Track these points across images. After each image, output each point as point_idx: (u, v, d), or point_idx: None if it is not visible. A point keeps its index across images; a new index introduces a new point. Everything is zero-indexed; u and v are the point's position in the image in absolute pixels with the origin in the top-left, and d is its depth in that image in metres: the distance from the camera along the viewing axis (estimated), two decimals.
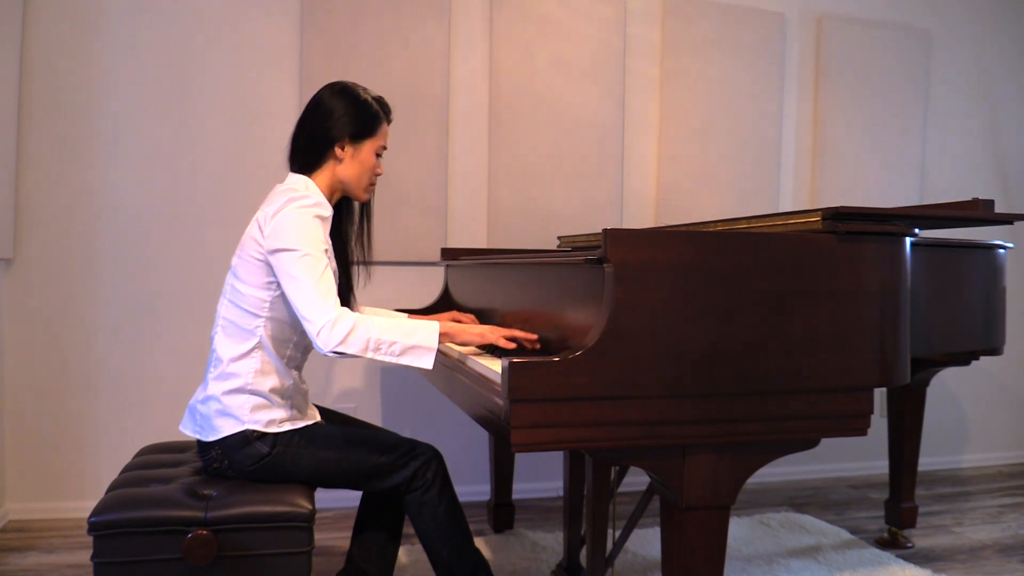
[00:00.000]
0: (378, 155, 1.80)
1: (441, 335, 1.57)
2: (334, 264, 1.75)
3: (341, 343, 1.49)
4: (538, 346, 1.63)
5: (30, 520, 2.68)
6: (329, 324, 1.50)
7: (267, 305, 1.65)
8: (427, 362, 1.53)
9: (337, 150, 1.74)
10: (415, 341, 1.53)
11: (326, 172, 1.75)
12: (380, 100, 1.80)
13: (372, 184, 1.82)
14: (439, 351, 1.85)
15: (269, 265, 1.62)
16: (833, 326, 1.37)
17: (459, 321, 2.11)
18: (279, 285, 1.62)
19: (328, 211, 1.70)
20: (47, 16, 2.68)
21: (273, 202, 1.65)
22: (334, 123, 1.72)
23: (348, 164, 1.75)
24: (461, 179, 3.10)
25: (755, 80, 3.41)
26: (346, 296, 1.87)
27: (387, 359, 1.51)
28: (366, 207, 1.90)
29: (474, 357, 1.63)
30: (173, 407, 2.69)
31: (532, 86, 3.13)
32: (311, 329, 1.51)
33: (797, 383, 1.35)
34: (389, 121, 1.82)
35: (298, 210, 1.61)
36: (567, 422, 1.23)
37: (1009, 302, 2.44)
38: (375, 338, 1.50)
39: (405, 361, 1.52)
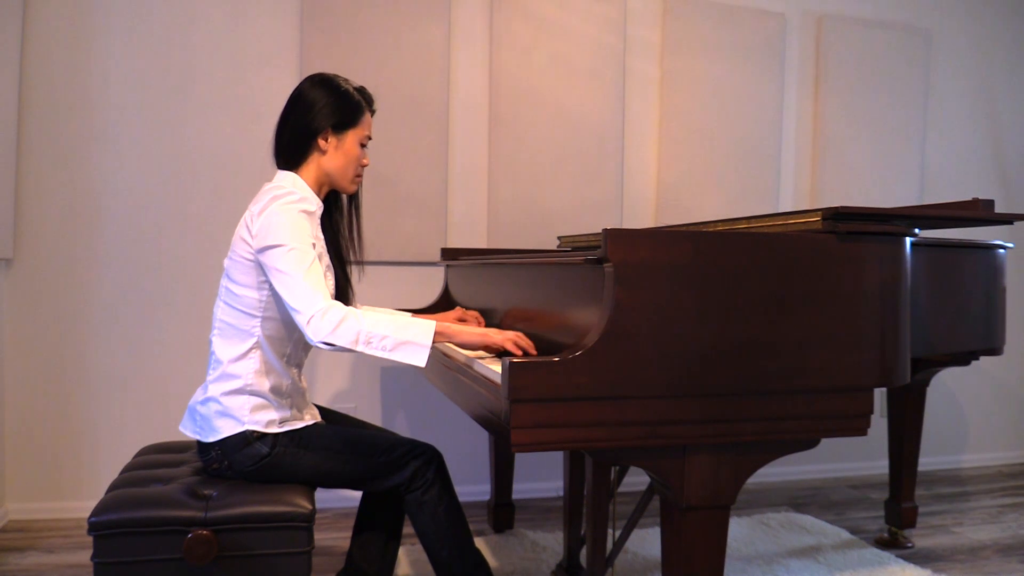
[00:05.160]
0: (363, 145, 1.79)
1: (438, 334, 1.53)
2: (327, 259, 1.75)
3: (331, 333, 1.48)
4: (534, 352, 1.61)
5: (30, 520, 2.68)
6: (319, 314, 1.49)
7: (262, 305, 1.65)
8: (420, 359, 1.50)
9: (320, 142, 1.72)
10: (408, 337, 1.50)
11: (311, 166, 1.74)
12: (362, 90, 1.79)
13: (359, 176, 1.80)
14: (442, 353, 1.85)
15: (260, 265, 1.61)
16: (833, 326, 1.37)
17: (463, 320, 2.10)
18: (271, 283, 1.62)
19: (314, 205, 1.69)
20: (47, 16, 2.68)
21: (259, 201, 1.66)
22: (315, 114, 1.71)
23: (332, 155, 1.74)
24: (461, 179, 3.10)
25: (755, 80, 3.41)
26: (345, 292, 1.86)
27: (378, 353, 1.49)
28: (355, 202, 1.89)
29: (480, 360, 1.62)
30: (173, 407, 2.70)
31: (532, 86, 3.13)
32: (301, 320, 1.51)
33: (797, 383, 1.35)
34: (372, 111, 1.81)
35: (283, 207, 1.60)
36: (567, 422, 1.23)
37: (1009, 302, 2.44)
38: (366, 331, 1.48)
39: (397, 357, 1.50)
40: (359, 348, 1.49)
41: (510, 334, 1.57)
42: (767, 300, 1.33)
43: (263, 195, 1.67)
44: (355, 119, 1.76)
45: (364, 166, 1.81)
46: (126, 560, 1.46)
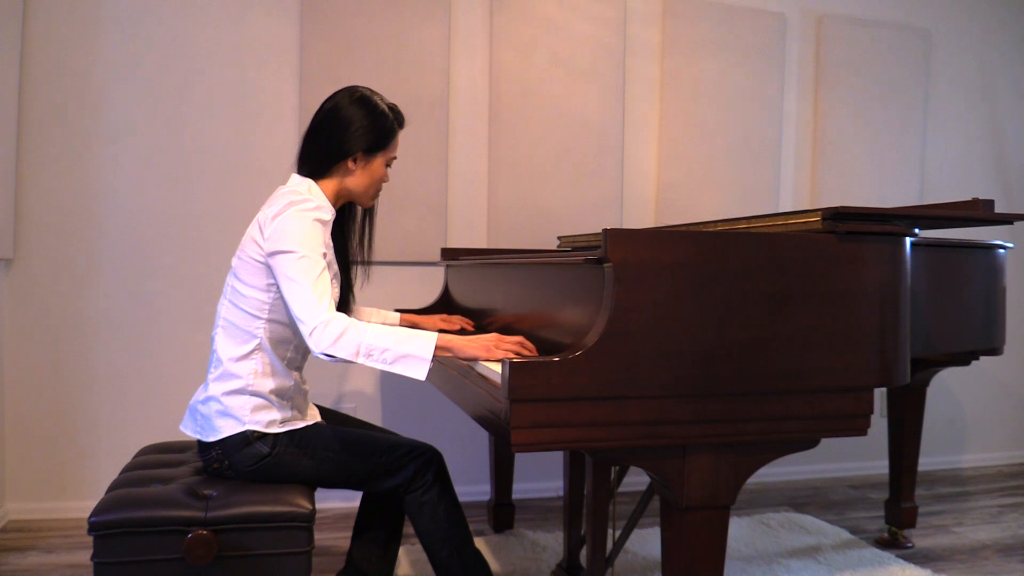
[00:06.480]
0: (387, 165, 1.80)
1: (440, 348, 1.51)
2: (335, 268, 1.74)
3: (332, 345, 1.47)
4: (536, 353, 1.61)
5: (30, 520, 2.68)
6: (322, 325, 1.48)
7: (267, 307, 1.65)
8: (420, 373, 1.48)
9: (349, 163, 1.73)
10: (408, 350, 1.48)
11: (334, 180, 1.74)
12: (395, 110, 1.78)
13: (378, 192, 1.82)
14: (442, 358, 1.84)
15: (269, 267, 1.61)
16: (833, 326, 1.37)
17: (448, 323, 2.14)
18: (279, 287, 1.61)
19: (329, 214, 1.69)
20: (47, 16, 2.68)
21: (274, 204, 1.65)
22: (350, 136, 1.70)
23: (359, 176, 1.75)
24: (461, 179, 3.10)
25: (755, 80, 3.41)
26: (345, 296, 1.86)
27: (379, 366, 1.48)
28: (369, 212, 1.90)
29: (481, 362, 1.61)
30: (173, 407, 2.69)
31: (532, 86, 3.13)
32: (304, 330, 1.51)
33: (797, 383, 1.35)
34: (401, 128, 1.80)
35: (299, 213, 1.60)
36: (567, 422, 1.23)
37: (1009, 302, 2.44)
38: (367, 343, 1.48)
39: (397, 370, 1.48)
40: (359, 360, 1.48)
41: (511, 343, 1.54)
42: (767, 300, 1.33)
43: (279, 198, 1.66)
44: (387, 143, 1.76)
45: (384, 183, 1.81)
46: (126, 560, 1.46)
